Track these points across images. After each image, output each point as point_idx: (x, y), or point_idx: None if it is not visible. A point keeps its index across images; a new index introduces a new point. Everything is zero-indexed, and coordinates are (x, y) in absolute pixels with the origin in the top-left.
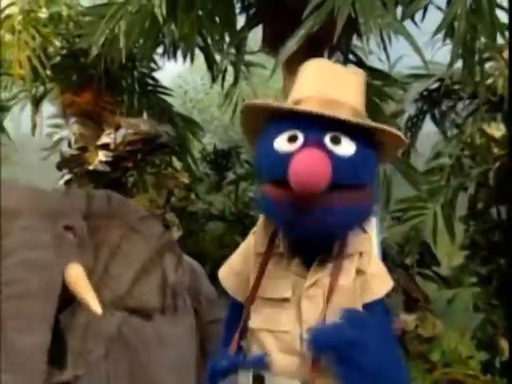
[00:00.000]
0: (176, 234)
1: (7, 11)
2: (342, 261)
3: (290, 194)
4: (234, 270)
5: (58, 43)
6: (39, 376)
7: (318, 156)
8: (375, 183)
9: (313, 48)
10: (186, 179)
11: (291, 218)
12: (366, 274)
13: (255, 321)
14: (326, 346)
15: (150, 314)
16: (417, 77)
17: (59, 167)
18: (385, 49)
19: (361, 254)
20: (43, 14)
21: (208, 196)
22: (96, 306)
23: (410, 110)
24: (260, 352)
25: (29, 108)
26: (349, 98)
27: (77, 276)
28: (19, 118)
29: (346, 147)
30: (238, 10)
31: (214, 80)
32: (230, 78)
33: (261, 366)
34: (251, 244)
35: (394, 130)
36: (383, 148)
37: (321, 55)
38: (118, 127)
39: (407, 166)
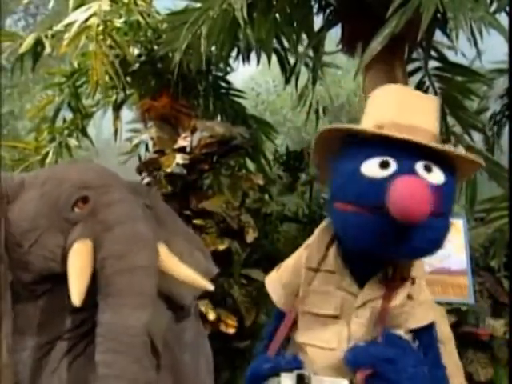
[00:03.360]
0: (251, 235)
1: (88, 22)
2: (396, 285)
3: (382, 219)
4: (281, 280)
5: (136, 50)
6: (143, 357)
7: (421, 183)
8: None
9: (394, 46)
10: (260, 181)
11: (381, 242)
12: (414, 300)
13: (302, 335)
14: (365, 362)
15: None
16: (501, 72)
17: (139, 170)
18: (475, 44)
19: (413, 280)
20: (120, 23)
21: (282, 197)
22: (200, 281)
23: (495, 106)
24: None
25: (109, 114)
26: (429, 124)
27: (167, 254)
28: (101, 124)
29: (437, 176)
30: (314, 11)
31: (287, 81)
32: (302, 78)
33: (301, 366)
34: (302, 257)
35: (478, 160)
36: (459, 173)
37: (402, 52)
38: (193, 130)
39: (493, 164)
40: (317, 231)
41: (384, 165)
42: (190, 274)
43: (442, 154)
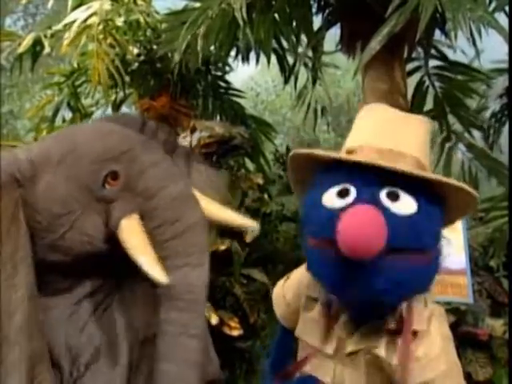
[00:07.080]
0: (251, 235)
1: (88, 21)
2: (402, 337)
3: (337, 255)
4: (285, 298)
5: (136, 50)
6: (204, 313)
7: (371, 214)
8: (440, 246)
9: (393, 45)
10: (259, 180)
11: (337, 282)
12: (418, 354)
13: (309, 368)
14: None
15: None
16: (501, 71)
17: None
18: (474, 44)
19: (415, 333)
20: (121, 22)
21: (281, 197)
22: (245, 221)
23: (494, 105)
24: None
25: (109, 113)
26: (410, 148)
27: (205, 200)
28: None
29: (406, 205)
30: (313, 11)
31: (286, 81)
32: (301, 78)
33: None
34: (304, 282)
35: (460, 184)
36: (449, 205)
37: (401, 52)
38: (193, 130)
39: (493, 162)
40: None
41: (342, 193)
42: (233, 216)
43: (420, 181)
